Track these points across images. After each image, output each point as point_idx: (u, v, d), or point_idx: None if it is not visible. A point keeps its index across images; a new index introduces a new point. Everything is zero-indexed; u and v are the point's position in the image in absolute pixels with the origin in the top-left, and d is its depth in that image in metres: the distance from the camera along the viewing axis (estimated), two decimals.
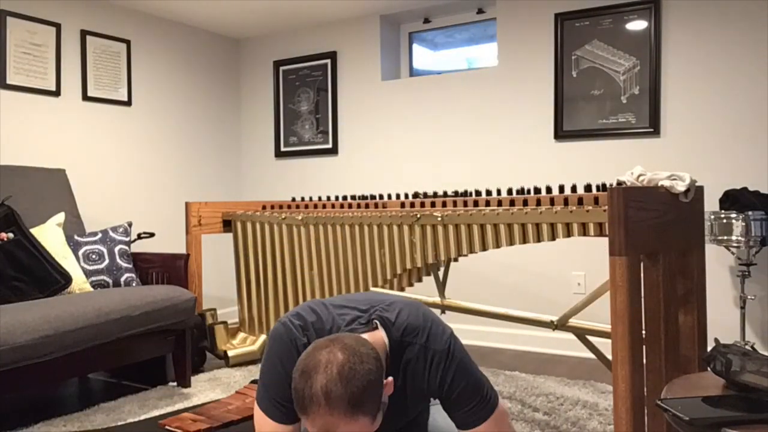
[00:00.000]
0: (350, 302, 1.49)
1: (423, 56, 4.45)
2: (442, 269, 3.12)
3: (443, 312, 3.20)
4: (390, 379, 1.32)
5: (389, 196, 3.06)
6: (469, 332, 3.85)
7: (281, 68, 4.66)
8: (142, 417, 2.55)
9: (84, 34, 3.75)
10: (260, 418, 1.43)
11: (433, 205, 2.71)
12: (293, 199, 3.61)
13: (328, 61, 4.43)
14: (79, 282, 2.83)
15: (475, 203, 2.56)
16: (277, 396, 1.40)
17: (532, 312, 2.80)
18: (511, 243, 2.35)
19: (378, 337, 1.40)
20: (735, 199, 3.00)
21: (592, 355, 2.58)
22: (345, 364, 1.22)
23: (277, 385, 1.40)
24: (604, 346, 2.56)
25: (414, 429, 1.62)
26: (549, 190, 2.42)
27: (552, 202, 2.33)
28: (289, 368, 1.38)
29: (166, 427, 2.39)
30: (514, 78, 3.78)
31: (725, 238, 2.89)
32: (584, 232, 2.17)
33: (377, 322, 1.42)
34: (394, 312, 1.45)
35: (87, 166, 3.77)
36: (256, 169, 4.79)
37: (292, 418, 1.42)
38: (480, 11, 4.07)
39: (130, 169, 4.04)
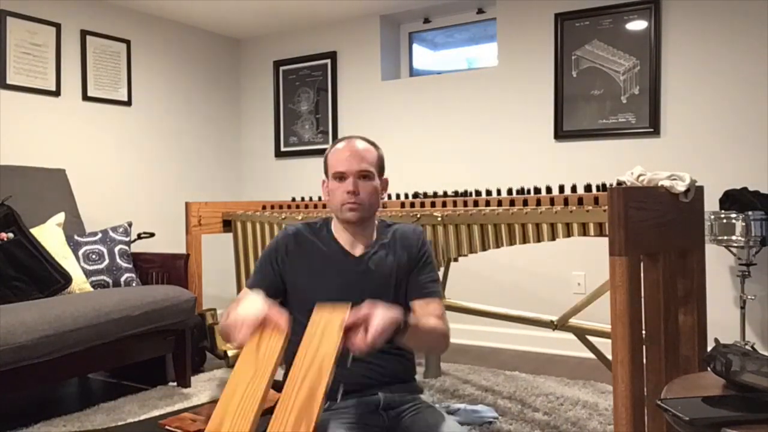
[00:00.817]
0: None
1: (423, 56, 4.46)
2: (442, 269, 3.12)
3: None
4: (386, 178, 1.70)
5: (389, 196, 3.06)
6: (469, 332, 3.84)
7: (281, 68, 4.66)
8: (142, 417, 2.55)
9: (84, 34, 3.75)
10: (243, 293, 1.58)
11: (433, 205, 2.71)
12: (293, 199, 3.61)
13: (328, 61, 4.43)
14: (79, 282, 2.83)
15: (475, 203, 2.56)
16: (259, 272, 1.66)
17: (532, 312, 2.80)
18: (511, 243, 2.35)
19: None
20: (735, 199, 3.00)
21: (592, 355, 2.58)
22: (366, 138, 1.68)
23: (260, 264, 1.67)
24: (604, 346, 2.55)
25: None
26: (549, 190, 2.42)
27: (552, 202, 2.33)
28: (273, 245, 1.67)
29: (166, 427, 2.39)
30: (514, 78, 3.78)
31: (725, 238, 2.89)
32: (584, 232, 2.17)
33: None
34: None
35: (87, 166, 3.77)
36: (256, 169, 4.79)
37: (264, 286, 1.60)
38: (480, 11, 4.07)
39: (130, 169, 4.04)
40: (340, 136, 4.38)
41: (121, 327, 2.56)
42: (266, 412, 2.61)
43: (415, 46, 4.43)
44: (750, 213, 2.85)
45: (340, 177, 1.62)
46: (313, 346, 1.23)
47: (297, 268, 1.63)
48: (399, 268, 1.64)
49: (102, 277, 2.93)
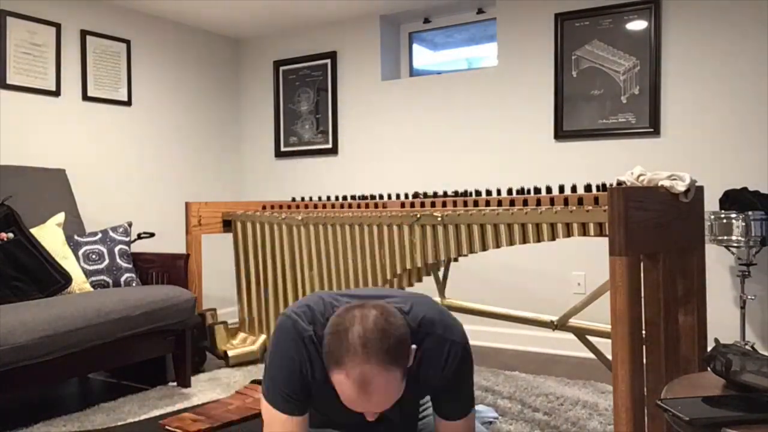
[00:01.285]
0: (360, 294, 1.49)
1: (423, 56, 4.46)
2: (442, 269, 3.12)
3: None
4: (415, 346, 1.33)
5: (389, 196, 3.06)
6: (469, 332, 3.83)
7: (281, 68, 4.66)
8: (142, 417, 2.55)
9: (84, 34, 3.75)
10: (268, 412, 1.42)
11: (433, 205, 2.71)
12: (293, 199, 3.61)
13: (328, 61, 4.43)
14: (79, 282, 2.83)
15: (475, 203, 2.56)
16: (285, 388, 1.40)
17: (532, 312, 2.80)
18: (511, 243, 2.35)
19: None
20: (735, 199, 3.00)
21: (592, 355, 2.59)
22: (380, 318, 1.25)
23: (286, 378, 1.39)
24: (604, 346, 2.56)
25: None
26: (549, 190, 2.42)
27: (552, 202, 2.33)
28: (296, 359, 1.38)
29: (166, 427, 2.39)
30: (514, 78, 3.78)
31: (725, 238, 2.89)
32: (584, 232, 2.17)
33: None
34: (407, 304, 1.45)
35: (87, 166, 3.77)
36: (256, 169, 4.79)
37: (302, 410, 1.42)
38: (480, 11, 4.07)
39: (130, 169, 4.04)
40: (340, 135, 4.39)
41: (121, 327, 2.56)
42: (259, 415, 2.59)
43: (415, 46, 4.43)
44: (750, 213, 2.85)
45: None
46: None
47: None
48: (426, 392, 1.50)
49: (102, 277, 2.93)
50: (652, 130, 3.37)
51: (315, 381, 1.41)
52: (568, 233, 2.20)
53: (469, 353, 1.46)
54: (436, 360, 1.42)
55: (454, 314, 3.27)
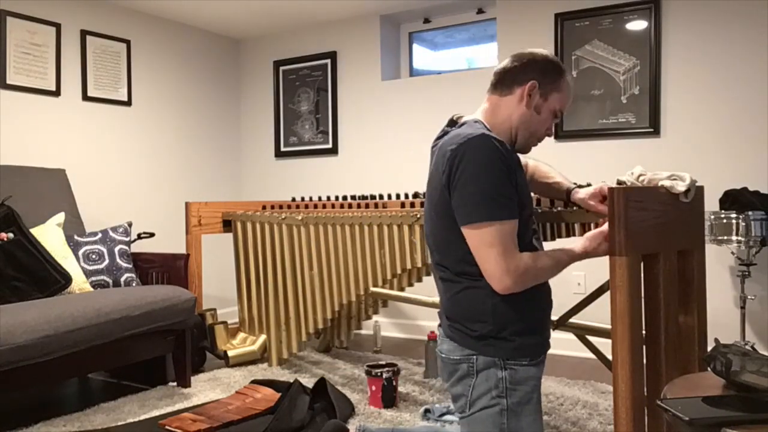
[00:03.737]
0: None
1: (423, 56, 4.46)
2: None
3: None
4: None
5: (389, 196, 3.06)
6: None
7: (281, 68, 4.66)
8: (142, 417, 2.55)
9: (84, 34, 3.75)
10: (498, 230, 1.41)
11: None
12: (293, 199, 3.61)
13: (328, 61, 4.43)
14: (79, 282, 2.83)
15: None
16: (505, 192, 1.43)
17: None
18: None
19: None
20: (735, 199, 3.00)
21: (592, 355, 2.58)
22: None
23: (504, 182, 1.43)
24: (604, 346, 2.55)
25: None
26: None
27: (552, 202, 2.33)
28: (507, 161, 1.44)
29: (166, 427, 2.39)
30: None
31: (725, 238, 2.88)
32: (584, 232, 2.17)
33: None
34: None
35: (87, 166, 3.77)
36: (256, 169, 4.79)
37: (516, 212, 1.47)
38: (480, 11, 4.07)
39: (130, 169, 4.04)
40: (340, 135, 4.39)
41: (121, 327, 2.56)
42: (266, 412, 2.61)
43: (415, 46, 4.43)
44: (750, 213, 2.85)
45: (556, 114, 1.59)
46: None
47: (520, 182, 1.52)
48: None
49: (102, 277, 2.93)
50: (652, 130, 3.37)
51: (518, 173, 1.48)
52: (568, 233, 2.20)
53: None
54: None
55: None
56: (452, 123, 1.66)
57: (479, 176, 1.41)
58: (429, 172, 1.61)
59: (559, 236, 2.23)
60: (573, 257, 1.59)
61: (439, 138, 1.66)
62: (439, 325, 1.65)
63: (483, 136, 1.44)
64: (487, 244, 1.42)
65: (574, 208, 2.19)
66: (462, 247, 1.48)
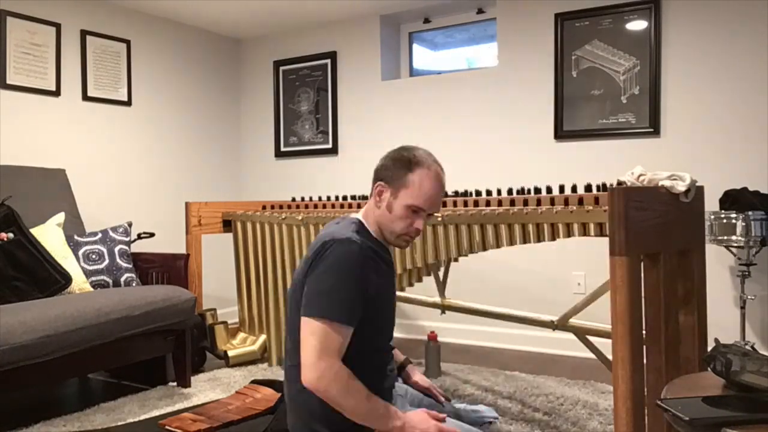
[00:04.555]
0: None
1: (423, 56, 4.45)
2: (442, 269, 3.12)
3: (443, 312, 3.20)
4: None
5: None
6: (469, 332, 3.85)
7: (281, 68, 4.66)
8: (142, 417, 2.55)
9: (84, 34, 3.75)
10: (326, 331, 1.41)
11: None
12: (293, 199, 3.61)
13: (328, 61, 4.43)
14: (79, 282, 2.83)
15: (475, 203, 2.56)
16: (350, 295, 1.44)
17: (532, 312, 2.80)
18: (511, 243, 2.35)
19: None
20: (735, 199, 3.00)
21: (592, 355, 2.58)
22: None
23: (352, 287, 1.45)
24: (604, 346, 2.55)
25: None
26: (549, 190, 2.42)
27: (552, 202, 2.33)
28: (360, 270, 1.46)
29: (166, 427, 2.39)
30: (514, 78, 3.78)
31: (725, 238, 2.89)
32: (584, 232, 2.17)
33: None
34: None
35: (87, 166, 3.77)
36: (256, 169, 4.79)
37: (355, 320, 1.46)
38: (480, 11, 4.07)
39: (130, 169, 4.04)
40: (340, 135, 4.39)
41: (121, 327, 2.56)
42: (266, 412, 2.60)
43: (415, 46, 4.43)
44: (750, 213, 2.85)
45: (416, 211, 1.54)
46: None
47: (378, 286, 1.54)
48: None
49: (102, 277, 2.93)
50: (652, 130, 3.37)
51: (374, 280, 1.49)
52: (568, 233, 2.20)
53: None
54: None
55: (455, 314, 3.28)
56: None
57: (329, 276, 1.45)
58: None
59: (559, 236, 2.23)
60: (390, 418, 1.44)
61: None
62: None
63: (347, 240, 1.47)
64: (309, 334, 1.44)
65: (574, 208, 2.19)
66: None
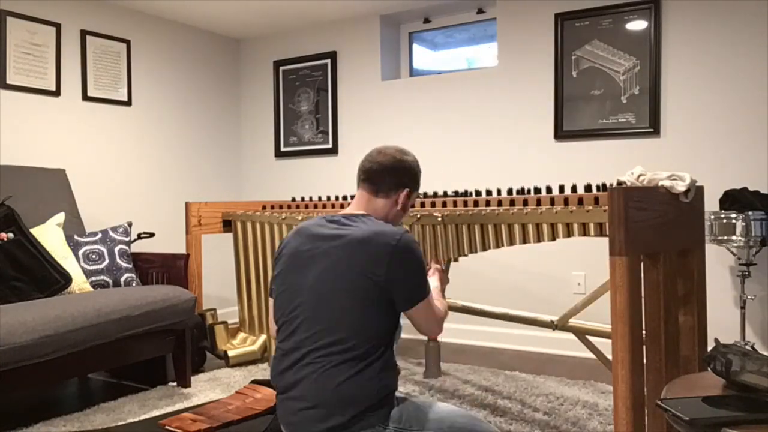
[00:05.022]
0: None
1: (423, 56, 4.46)
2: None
3: None
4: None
5: None
6: (469, 332, 3.85)
7: (281, 68, 4.66)
8: (142, 417, 2.55)
9: (84, 34, 3.75)
10: (430, 302, 1.65)
11: (433, 205, 2.71)
12: (293, 199, 3.61)
13: (328, 61, 4.43)
14: (79, 282, 2.83)
15: (475, 203, 2.56)
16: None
17: (532, 312, 2.80)
18: (511, 243, 2.34)
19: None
20: (735, 199, 3.00)
21: (592, 355, 2.59)
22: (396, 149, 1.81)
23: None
24: (604, 346, 2.55)
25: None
26: (549, 190, 2.42)
27: (552, 202, 2.33)
28: None
29: (166, 427, 2.39)
30: (514, 78, 3.78)
31: (725, 238, 2.89)
32: (584, 232, 2.17)
33: None
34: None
35: (87, 166, 3.77)
36: (256, 169, 4.79)
37: None
38: (480, 11, 4.07)
39: (130, 169, 4.04)
40: (340, 135, 4.40)
41: (121, 327, 2.56)
42: (266, 412, 2.60)
43: (415, 46, 4.43)
44: (750, 213, 2.85)
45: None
46: None
47: None
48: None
49: (102, 277, 2.93)
50: (652, 130, 3.37)
51: None
52: (568, 233, 2.20)
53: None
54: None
55: (455, 314, 3.28)
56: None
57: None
58: (333, 258, 1.60)
59: (559, 237, 2.23)
60: (440, 292, 2.01)
61: (339, 226, 1.66)
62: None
63: (405, 233, 1.67)
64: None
65: (574, 208, 2.19)
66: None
